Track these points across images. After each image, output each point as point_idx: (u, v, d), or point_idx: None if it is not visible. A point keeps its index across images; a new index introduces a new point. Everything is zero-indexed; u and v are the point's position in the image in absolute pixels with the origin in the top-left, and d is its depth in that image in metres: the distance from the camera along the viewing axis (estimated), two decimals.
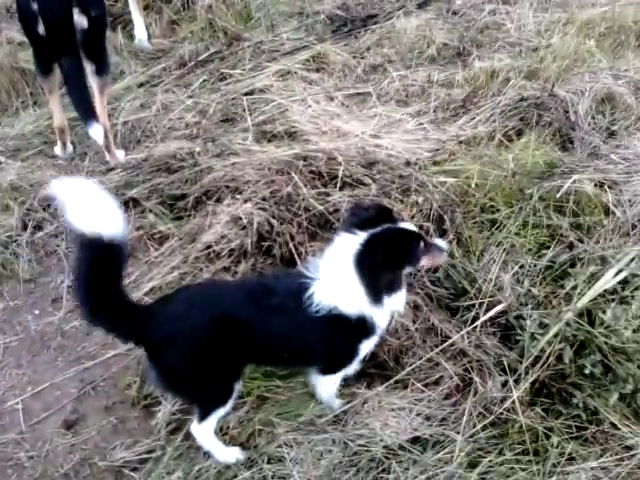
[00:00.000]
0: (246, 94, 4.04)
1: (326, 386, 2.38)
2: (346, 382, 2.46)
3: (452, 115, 3.78)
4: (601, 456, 2.24)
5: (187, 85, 4.22)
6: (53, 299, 2.99)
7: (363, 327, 2.11)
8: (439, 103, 3.86)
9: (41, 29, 3.23)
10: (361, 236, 2.03)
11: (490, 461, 2.24)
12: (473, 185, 3.12)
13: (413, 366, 2.50)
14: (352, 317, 2.06)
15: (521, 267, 2.79)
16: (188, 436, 2.32)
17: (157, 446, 2.35)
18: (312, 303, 2.03)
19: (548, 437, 2.30)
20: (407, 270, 2.19)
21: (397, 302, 2.15)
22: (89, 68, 3.44)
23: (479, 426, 2.33)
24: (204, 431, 2.23)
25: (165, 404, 2.44)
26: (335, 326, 2.07)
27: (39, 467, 2.35)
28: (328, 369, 2.30)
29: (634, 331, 2.42)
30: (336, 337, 2.12)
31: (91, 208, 1.81)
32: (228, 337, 2.05)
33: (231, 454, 2.28)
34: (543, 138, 3.50)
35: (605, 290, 2.56)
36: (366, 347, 2.22)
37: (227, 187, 3.21)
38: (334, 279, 2.05)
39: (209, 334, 2.05)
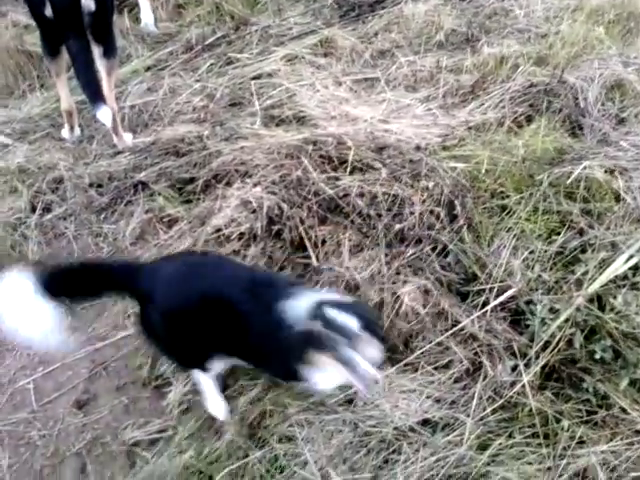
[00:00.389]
0: (254, 78, 4.01)
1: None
2: None
3: (461, 101, 3.75)
4: (611, 440, 2.25)
5: (194, 69, 4.19)
6: None
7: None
8: (448, 89, 3.82)
9: (48, 12, 3.20)
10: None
11: (500, 444, 2.25)
12: (483, 171, 3.11)
13: (423, 350, 2.50)
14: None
15: (531, 252, 2.78)
16: (200, 416, 2.33)
17: (169, 426, 2.37)
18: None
19: (558, 421, 2.30)
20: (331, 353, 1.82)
21: (321, 379, 1.95)
22: (96, 51, 3.41)
23: (489, 409, 2.34)
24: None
25: (176, 384, 2.46)
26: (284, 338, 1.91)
27: (51, 446, 2.37)
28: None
29: None
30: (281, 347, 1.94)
31: None
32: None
33: (221, 410, 2.33)
34: (553, 124, 3.46)
35: (616, 276, 2.56)
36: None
37: (236, 171, 3.20)
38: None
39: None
